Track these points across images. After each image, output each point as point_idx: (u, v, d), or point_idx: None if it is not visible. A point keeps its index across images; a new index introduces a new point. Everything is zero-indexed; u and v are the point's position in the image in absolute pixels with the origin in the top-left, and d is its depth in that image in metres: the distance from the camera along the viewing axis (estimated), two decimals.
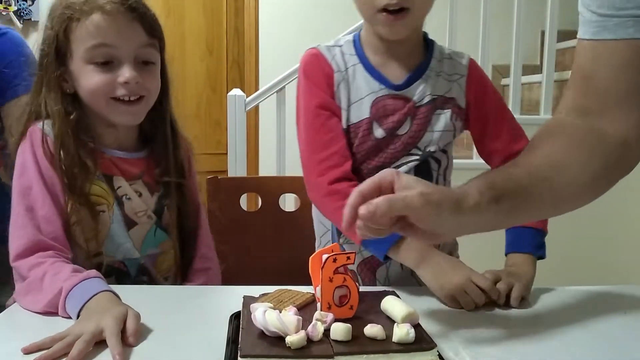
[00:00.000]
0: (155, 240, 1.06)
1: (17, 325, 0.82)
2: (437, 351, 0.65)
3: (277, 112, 2.41)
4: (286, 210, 1.45)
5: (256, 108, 2.75)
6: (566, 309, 0.90)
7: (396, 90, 1.04)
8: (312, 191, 1.05)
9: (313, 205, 1.15)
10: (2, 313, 0.86)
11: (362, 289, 0.73)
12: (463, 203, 0.69)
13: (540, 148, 0.79)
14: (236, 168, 2.37)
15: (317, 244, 1.18)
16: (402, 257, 0.95)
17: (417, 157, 1.05)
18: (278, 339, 0.63)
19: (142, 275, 1.04)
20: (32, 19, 3.07)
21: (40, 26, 1.04)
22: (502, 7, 2.49)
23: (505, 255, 1.03)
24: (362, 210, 0.66)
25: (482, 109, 1.08)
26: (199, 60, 3.39)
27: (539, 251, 1.02)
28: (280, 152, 2.42)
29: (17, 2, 3.05)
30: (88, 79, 0.97)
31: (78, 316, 0.78)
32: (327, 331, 0.65)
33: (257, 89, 3.03)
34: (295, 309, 0.68)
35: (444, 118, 1.05)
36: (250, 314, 0.67)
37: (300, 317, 0.64)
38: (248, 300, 0.74)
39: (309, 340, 0.63)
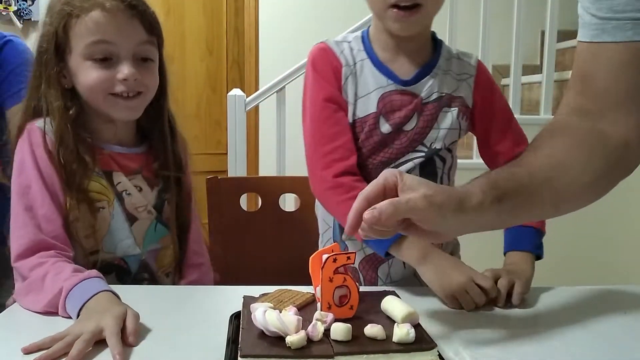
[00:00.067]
0: (156, 236, 1.06)
1: (17, 325, 0.82)
2: (437, 351, 0.65)
3: (277, 112, 2.40)
4: (286, 210, 1.45)
5: (256, 108, 2.75)
6: (566, 309, 0.90)
7: (404, 86, 1.04)
8: (316, 184, 1.04)
9: (316, 203, 1.15)
10: (2, 313, 0.86)
11: (362, 289, 0.73)
12: (466, 203, 0.70)
13: (542, 148, 0.80)
14: (236, 168, 2.37)
15: (319, 241, 1.17)
16: (403, 254, 0.95)
17: (423, 154, 1.05)
18: (278, 339, 0.63)
19: (143, 272, 1.04)
20: (32, 19, 3.06)
21: (40, 26, 1.04)
22: (502, 7, 2.49)
23: (504, 254, 1.04)
24: (367, 215, 0.66)
25: (488, 111, 1.09)
26: (199, 60, 3.39)
27: (537, 250, 1.02)
28: (280, 152, 2.42)
29: (17, 2, 3.05)
30: (87, 75, 0.98)
31: (78, 316, 0.78)
32: (327, 331, 0.65)
33: (257, 89, 3.03)
34: (295, 309, 0.67)
35: (450, 116, 1.06)
36: (251, 314, 0.67)
37: (300, 317, 0.64)
38: (248, 300, 0.74)
39: (309, 340, 0.63)
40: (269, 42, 3.26)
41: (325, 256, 0.69)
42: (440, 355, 0.65)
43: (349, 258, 0.69)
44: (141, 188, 1.05)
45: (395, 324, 0.66)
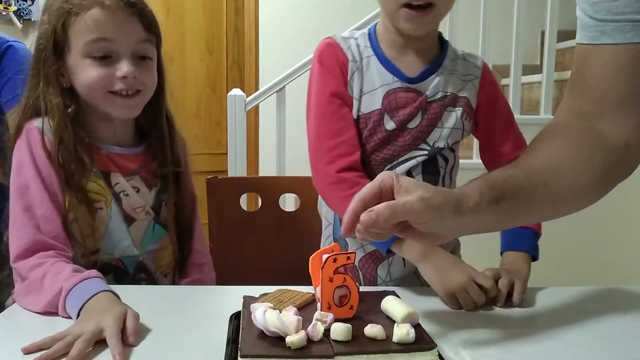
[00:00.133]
0: (154, 236, 1.06)
1: (17, 325, 0.82)
2: (437, 351, 0.65)
3: (277, 112, 2.40)
4: (286, 210, 1.45)
5: (256, 108, 2.75)
6: (566, 309, 0.90)
7: (410, 83, 1.04)
8: (319, 179, 1.04)
9: (319, 200, 1.15)
10: (2, 313, 0.86)
11: (362, 289, 0.73)
12: (463, 204, 0.70)
13: (540, 149, 0.80)
14: (236, 168, 2.37)
15: (322, 238, 1.18)
16: (404, 251, 0.96)
17: (426, 153, 1.05)
18: (278, 339, 0.63)
19: (141, 272, 1.04)
20: (32, 19, 3.06)
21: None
22: (502, 7, 2.49)
23: (501, 254, 1.04)
24: (364, 217, 0.66)
25: (492, 112, 1.10)
26: (199, 60, 3.39)
27: (534, 251, 1.03)
28: (280, 152, 2.42)
29: (17, 2, 3.05)
30: (86, 73, 0.98)
31: (78, 316, 0.78)
32: (327, 331, 0.65)
33: (257, 89, 3.03)
34: (295, 309, 0.67)
35: (454, 115, 1.06)
36: (251, 314, 0.67)
37: (300, 317, 0.64)
38: (248, 300, 0.74)
39: (309, 340, 0.63)
40: (269, 42, 3.26)
41: (325, 256, 0.69)
42: (440, 355, 0.65)
43: (349, 258, 0.69)
44: (139, 189, 1.05)
45: (395, 324, 0.66)
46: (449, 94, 1.06)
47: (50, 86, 0.99)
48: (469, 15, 2.37)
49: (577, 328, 0.81)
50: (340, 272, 0.69)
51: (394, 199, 0.69)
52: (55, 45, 0.98)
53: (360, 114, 1.04)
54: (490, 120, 1.10)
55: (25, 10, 3.06)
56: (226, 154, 2.40)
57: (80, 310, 0.78)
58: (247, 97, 2.40)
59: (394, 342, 0.64)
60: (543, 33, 2.80)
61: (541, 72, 2.51)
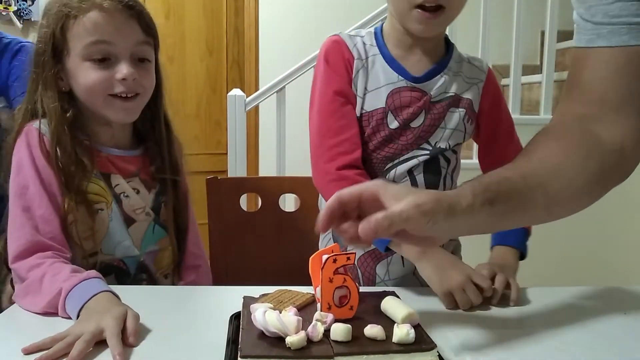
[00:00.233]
0: (154, 237, 1.06)
1: (17, 325, 0.82)
2: (437, 352, 0.65)
3: (277, 112, 2.40)
4: (286, 210, 1.45)
5: (256, 108, 2.75)
6: (566, 309, 0.90)
7: (415, 83, 1.04)
8: (319, 176, 1.04)
9: (320, 199, 1.15)
10: (2, 313, 0.86)
11: (362, 289, 0.73)
12: (456, 206, 0.69)
13: (536, 152, 0.79)
14: (236, 168, 2.37)
15: (320, 237, 1.17)
16: (403, 249, 0.96)
17: (427, 153, 1.05)
18: (278, 340, 0.63)
19: (142, 273, 1.04)
20: (32, 19, 3.06)
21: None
22: (502, 7, 2.49)
23: (491, 248, 1.06)
24: (363, 227, 0.65)
25: (494, 120, 1.10)
26: (199, 60, 3.39)
27: (523, 248, 1.05)
28: (280, 152, 2.42)
29: (17, 2, 3.05)
30: (85, 76, 0.98)
31: (78, 316, 0.78)
32: (327, 332, 0.65)
33: (257, 89, 3.03)
34: (295, 309, 0.68)
35: (457, 117, 1.06)
36: (250, 314, 0.67)
37: (300, 318, 0.64)
38: (248, 301, 0.74)
39: (309, 341, 0.63)
40: (269, 42, 3.27)
41: (325, 257, 0.69)
42: (440, 356, 0.65)
43: (348, 259, 0.69)
44: (139, 190, 1.05)
45: (395, 325, 0.66)
46: (453, 95, 1.06)
47: (49, 90, 0.99)
48: (469, 15, 2.35)
49: (577, 328, 0.81)
50: (340, 272, 0.69)
51: (375, 205, 0.68)
52: (54, 49, 0.98)
53: (364, 111, 1.04)
54: (492, 126, 1.10)
55: (25, 10, 3.07)
56: (226, 154, 2.40)
57: (80, 310, 0.78)
58: (247, 97, 2.40)
59: (393, 343, 0.64)
60: (543, 33, 2.80)
61: (541, 72, 2.51)
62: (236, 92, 2.39)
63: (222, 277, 1.30)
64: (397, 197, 0.67)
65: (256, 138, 3.27)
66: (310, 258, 0.75)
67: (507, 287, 0.92)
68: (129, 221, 1.02)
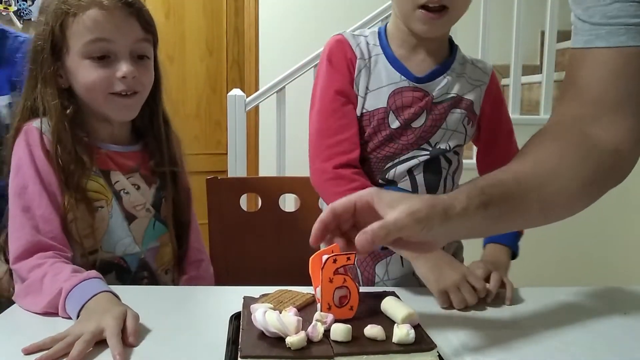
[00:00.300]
0: (155, 234, 1.06)
1: (17, 325, 0.82)
2: (437, 352, 0.65)
3: (277, 112, 2.41)
4: (286, 210, 1.45)
5: (256, 108, 2.75)
6: (566, 309, 0.90)
7: (417, 83, 1.04)
8: (316, 175, 1.05)
9: (320, 199, 1.15)
10: (2, 313, 0.86)
11: (362, 289, 0.73)
12: (450, 210, 0.69)
13: (532, 154, 0.79)
14: (236, 168, 2.37)
15: None
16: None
17: (427, 153, 1.05)
18: (278, 340, 0.63)
19: (143, 270, 1.04)
20: (32, 19, 3.06)
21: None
22: (502, 7, 2.49)
23: (484, 246, 1.07)
24: (360, 240, 0.65)
25: (494, 124, 1.11)
26: (199, 60, 3.39)
27: (514, 247, 1.07)
28: (280, 152, 2.42)
29: (17, 2, 3.05)
30: (85, 75, 0.98)
31: (78, 316, 0.78)
32: (327, 332, 0.65)
33: (257, 89, 3.03)
34: (295, 309, 0.67)
35: (458, 118, 1.06)
36: (251, 314, 0.67)
37: (300, 318, 0.64)
38: (248, 301, 0.74)
39: (309, 341, 0.63)
40: (269, 42, 3.27)
41: (325, 257, 0.69)
42: (440, 356, 0.65)
43: (348, 259, 0.69)
44: (139, 186, 1.05)
45: (395, 325, 0.66)
46: (455, 96, 1.06)
47: (48, 87, 0.99)
48: (469, 15, 2.35)
49: (577, 328, 0.81)
50: (340, 272, 0.69)
51: (370, 213, 0.68)
52: (53, 47, 0.98)
53: (365, 111, 1.04)
54: (492, 130, 1.11)
55: (25, 10, 3.06)
56: (226, 154, 2.41)
57: (80, 310, 0.78)
58: (247, 97, 2.40)
59: (393, 343, 0.64)
60: (543, 33, 2.80)
61: (541, 72, 2.51)
62: (236, 92, 2.39)
63: (222, 277, 1.30)
64: (391, 204, 0.67)
65: (256, 138, 3.27)
66: (310, 258, 0.74)
67: (502, 286, 0.92)
68: (130, 218, 1.03)
